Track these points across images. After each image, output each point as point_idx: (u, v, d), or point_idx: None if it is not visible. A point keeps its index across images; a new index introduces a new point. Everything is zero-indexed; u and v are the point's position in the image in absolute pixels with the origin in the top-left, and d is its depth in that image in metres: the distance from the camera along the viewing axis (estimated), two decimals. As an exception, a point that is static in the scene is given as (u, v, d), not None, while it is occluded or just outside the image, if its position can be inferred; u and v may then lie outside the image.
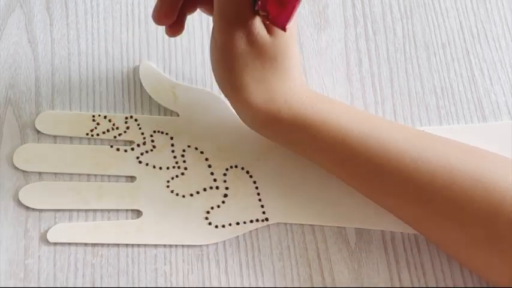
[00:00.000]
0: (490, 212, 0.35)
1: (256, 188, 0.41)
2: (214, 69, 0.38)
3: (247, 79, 0.36)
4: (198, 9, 0.40)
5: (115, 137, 0.42)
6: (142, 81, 0.44)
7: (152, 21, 0.36)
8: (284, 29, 0.34)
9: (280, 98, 0.37)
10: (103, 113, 0.43)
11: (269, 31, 0.36)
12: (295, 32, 0.38)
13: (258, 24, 0.35)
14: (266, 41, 0.35)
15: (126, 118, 0.43)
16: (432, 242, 0.39)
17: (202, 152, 0.42)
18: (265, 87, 0.36)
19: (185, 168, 0.41)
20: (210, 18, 0.46)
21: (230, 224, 0.40)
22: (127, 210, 0.41)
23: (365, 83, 0.45)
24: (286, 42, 0.36)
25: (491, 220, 0.35)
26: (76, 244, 0.40)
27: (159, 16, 0.37)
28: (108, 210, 0.41)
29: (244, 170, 0.41)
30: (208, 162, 0.42)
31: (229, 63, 0.36)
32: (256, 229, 0.40)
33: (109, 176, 0.41)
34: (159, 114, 0.43)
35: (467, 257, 0.37)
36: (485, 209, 0.35)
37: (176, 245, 0.40)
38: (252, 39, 0.35)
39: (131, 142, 0.42)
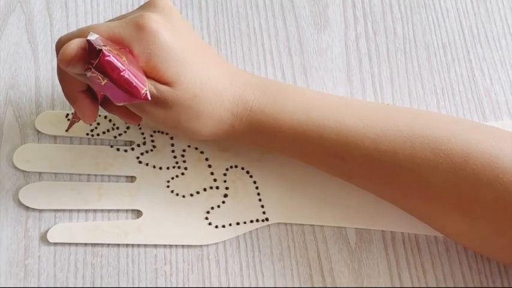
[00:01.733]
0: (454, 177, 0.35)
1: (256, 188, 0.41)
2: (168, 130, 0.41)
3: (187, 123, 0.36)
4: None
5: (115, 137, 0.42)
6: (142, 81, 0.44)
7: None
8: (139, 97, 0.32)
9: (225, 114, 0.37)
10: (103, 113, 0.43)
11: (164, 83, 0.35)
12: (186, 56, 0.35)
13: (149, 87, 0.34)
14: (168, 93, 0.34)
15: (126, 118, 0.43)
16: (404, 210, 0.39)
17: (202, 152, 0.42)
18: (205, 117, 0.36)
19: (185, 168, 0.41)
20: (210, 18, 0.46)
21: (230, 224, 0.40)
22: (127, 210, 0.41)
23: (365, 83, 0.45)
24: (184, 77, 0.35)
25: (457, 186, 0.35)
26: (76, 244, 0.40)
27: (90, 119, 0.37)
28: (108, 210, 0.41)
29: (244, 170, 0.41)
30: (208, 162, 0.42)
31: (167, 123, 0.36)
32: (256, 229, 0.40)
33: (109, 176, 0.41)
34: (159, 114, 0.43)
35: (440, 225, 0.38)
36: (450, 173, 0.35)
37: (176, 245, 0.40)
38: (157, 101, 0.35)
39: (131, 142, 0.42)
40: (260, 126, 0.37)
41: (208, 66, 0.37)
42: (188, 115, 0.36)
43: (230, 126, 0.37)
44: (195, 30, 0.46)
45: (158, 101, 0.35)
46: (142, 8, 0.36)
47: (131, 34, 0.34)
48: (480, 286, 0.39)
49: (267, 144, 0.39)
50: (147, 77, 0.34)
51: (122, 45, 0.34)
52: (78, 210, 0.40)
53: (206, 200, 0.41)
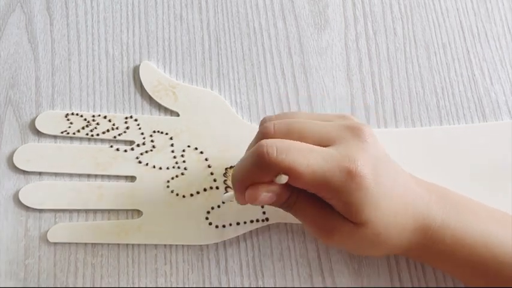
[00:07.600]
0: None
1: (256, 188, 0.41)
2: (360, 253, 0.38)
3: (363, 249, 0.36)
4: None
5: (115, 137, 0.42)
6: (142, 81, 0.44)
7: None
8: None
9: (404, 244, 0.35)
10: (103, 113, 0.43)
11: (352, 221, 0.34)
12: (383, 203, 0.34)
13: (343, 225, 0.34)
14: (353, 230, 0.34)
15: (126, 118, 0.43)
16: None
17: (202, 152, 0.42)
18: (383, 247, 0.35)
19: (185, 168, 0.41)
20: (210, 18, 0.46)
21: (230, 224, 0.40)
22: (127, 210, 0.41)
23: (365, 83, 0.45)
24: (375, 221, 0.34)
25: None
26: (76, 244, 0.40)
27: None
28: (108, 210, 0.41)
29: (244, 170, 0.41)
30: (208, 162, 0.42)
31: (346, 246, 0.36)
32: (256, 229, 0.40)
33: (109, 176, 0.41)
34: (159, 114, 0.43)
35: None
36: None
37: (176, 245, 0.40)
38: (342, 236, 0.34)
39: (131, 142, 0.42)
40: (435, 259, 0.36)
41: (397, 202, 0.35)
42: (366, 245, 0.35)
43: (405, 251, 0.36)
44: (195, 31, 0.46)
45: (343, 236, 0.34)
46: (350, 137, 0.34)
47: (340, 183, 0.32)
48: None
49: (436, 266, 0.38)
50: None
51: (322, 186, 0.33)
52: (78, 210, 0.40)
53: (206, 200, 0.41)
